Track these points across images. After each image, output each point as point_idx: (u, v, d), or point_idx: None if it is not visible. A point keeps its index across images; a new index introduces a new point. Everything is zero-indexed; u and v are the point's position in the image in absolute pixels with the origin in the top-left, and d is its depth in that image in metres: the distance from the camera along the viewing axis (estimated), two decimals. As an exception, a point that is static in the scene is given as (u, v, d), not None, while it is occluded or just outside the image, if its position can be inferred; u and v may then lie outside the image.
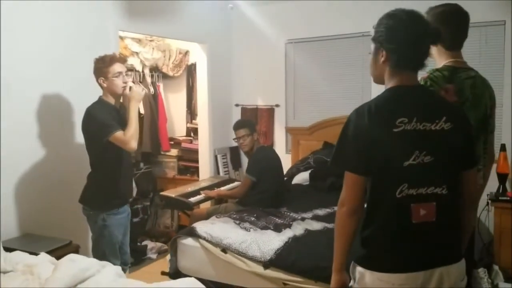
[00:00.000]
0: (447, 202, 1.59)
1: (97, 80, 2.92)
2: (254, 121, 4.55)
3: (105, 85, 2.90)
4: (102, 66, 2.87)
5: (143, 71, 5.30)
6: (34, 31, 3.23)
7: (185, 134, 5.72)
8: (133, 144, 2.78)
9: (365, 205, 1.66)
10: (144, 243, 4.79)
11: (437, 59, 2.14)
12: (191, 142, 5.48)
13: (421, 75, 2.02)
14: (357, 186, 1.63)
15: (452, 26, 2.10)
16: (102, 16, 3.75)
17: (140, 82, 5.23)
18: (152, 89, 5.33)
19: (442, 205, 1.58)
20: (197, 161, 5.27)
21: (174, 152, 5.47)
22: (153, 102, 5.29)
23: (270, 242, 3.06)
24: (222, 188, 4.44)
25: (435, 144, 1.58)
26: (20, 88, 3.13)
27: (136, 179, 5.05)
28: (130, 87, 2.89)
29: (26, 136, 3.18)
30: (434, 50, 2.09)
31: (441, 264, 1.58)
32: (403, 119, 1.56)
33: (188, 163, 5.43)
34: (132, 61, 5.11)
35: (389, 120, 1.57)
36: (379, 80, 1.75)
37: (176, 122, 5.88)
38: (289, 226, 3.37)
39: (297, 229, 3.32)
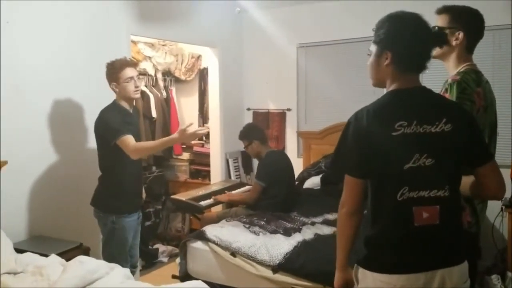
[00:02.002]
0: (450, 204, 1.59)
1: (109, 85, 2.95)
2: (253, 126, 4.47)
3: (117, 90, 2.93)
4: (113, 72, 2.90)
5: (155, 76, 5.35)
6: (47, 35, 3.27)
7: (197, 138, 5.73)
8: (135, 155, 2.79)
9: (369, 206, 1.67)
10: (155, 246, 4.81)
11: (455, 62, 2.09)
12: (202, 146, 5.50)
13: (450, 77, 2.00)
14: (356, 188, 1.65)
15: (475, 28, 2.08)
16: (114, 20, 3.78)
17: (153, 86, 5.29)
18: (164, 93, 5.37)
19: (445, 207, 1.57)
20: (208, 165, 5.28)
21: (186, 155, 5.50)
22: (166, 106, 5.33)
23: (279, 246, 3.06)
24: (233, 192, 4.45)
25: (436, 147, 1.57)
26: (33, 93, 3.18)
27: (148, 183, 5.09)
28: (186, 130, 2.77)
29: (39, 140, 3.22)
30: (453, 52, 2.07)
31: (443, 265, 1.57)
32: (402, 123, 1.56)
33: (200, 167, 5.46)
34: (145, 65, 5.16)
35: (388, 124, 1.57)
36: (379, 83, 1.74)
37: (189, 126, 5.90)
38: (299, 230, 3.36)
39: (307, 233, 3.31)
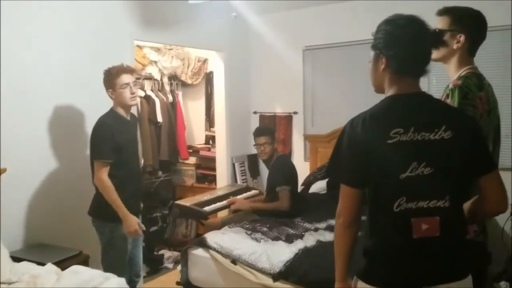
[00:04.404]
0: (451, 215, 1.51)
1: (106, 92, 2.93)
2: (274, 128, 4.43)
3: (113, 97, 2.91)
4: (109, 78, 2.89)
5: (161, 80, 5.33)
6: (49, 41, 3.27)
7: (204, 142, 5.72)
8: (96, 182, 2.84)
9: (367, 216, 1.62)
10: (161, 252, 4.78)
11: (456, 65, 2.03)
12: (209, 150, 5.48)
13: (451, 82, 1.95)
14: (352, 198, 1.59)
15: (477, 30, 2.02)
16: (118, 26, 3.78)
17: (159, 90, 5.28)
18: (170, 98, 5.36)
19: (446, 218, 1.50)
20: (215, 169, 5.24)
21: (192, 160, 5.48)
22: (172, 111, 5.31)
23: (280, 253, 3.00)
24: (242, 196, 4.37)
25: (435, 155, 1.50)
26: (34, 98, 3.18)
27: (155, 187, 5.08)
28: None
29: (38, 146, 3.22)
30: (454, 56, 2.01)
31: (445, 281, 1.50)
32: (398, 130, 1.50)
33: (206, 171, 5.42)
34: (151, 69, 5.15)
35: (383, 131, 1.51)
36: (380, 89, 1.69)
37: (195, 130, 5.90)
38: (301, 237, 3.30)
39: (309, 240, 3.24)
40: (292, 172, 3.99)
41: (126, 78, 2.89)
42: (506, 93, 3.79)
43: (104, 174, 2.80)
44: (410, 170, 1.49)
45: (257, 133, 4.08)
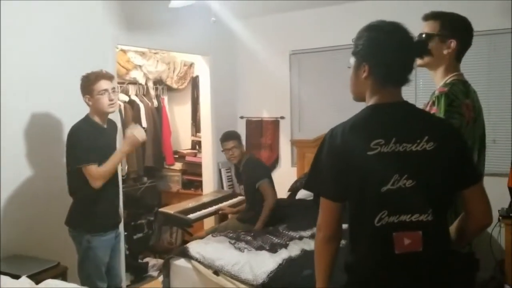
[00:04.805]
0: (434, 230, 1.46)
1: (83, 98, 2.85)
2: (239, 133, 4.42)
3: (90, 103, 2.82)
4: (87, 84, 2.80)
5: (146, 84, 5.25)
6: (28, 46, 3.18)
7: (190, 147, 5.64)
8: (98, 183, 2.74)
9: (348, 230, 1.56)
10: (145, 260, 4.69)
11: (443, 72, 1.97)
12: (195, 155, 5.41)
13: (438, 89, 1.90)
14: (333, 212, 1.53)
15: (467, 36, 1.97)
16: (99, 31, 3.69)
17: (144, 95, 5.20)
18: (156, 102, 5.28)
19: (429, 233, 1.44)
20: (201, 175, 5.17)
21: (178, 165, 5.41)
22: (157, 116, 5.23)
23: (263, 263, 2.94)
24: (228, 203, 4.43)
25: (417, 167, 1.45)
26: (10, 105, 3.07)
27: (140, 194, 5.01)
28: (131, 131, 2.91)
29: (14, 154, 3.12)
30: (442, 62, 1.95)
31: None
32: (379, 141, 1.44)
33: (193, 177, 5.36)
34: (135, 74, 5.06)
35: (364, 142, 1.46)
36: (360, 97, 1.63)
37: (181, 135, 5.83)
38: (286, 246, 3.24)
39: (294, 249, 3.19)
40: (265, 166, 4.03)
41: (104, 84, 2.81)
42: (496, 99, 3.75)
43: (95, 172, 2.72)
44: (391, 183, 1.43)
45: (224, 138, 4.16)
